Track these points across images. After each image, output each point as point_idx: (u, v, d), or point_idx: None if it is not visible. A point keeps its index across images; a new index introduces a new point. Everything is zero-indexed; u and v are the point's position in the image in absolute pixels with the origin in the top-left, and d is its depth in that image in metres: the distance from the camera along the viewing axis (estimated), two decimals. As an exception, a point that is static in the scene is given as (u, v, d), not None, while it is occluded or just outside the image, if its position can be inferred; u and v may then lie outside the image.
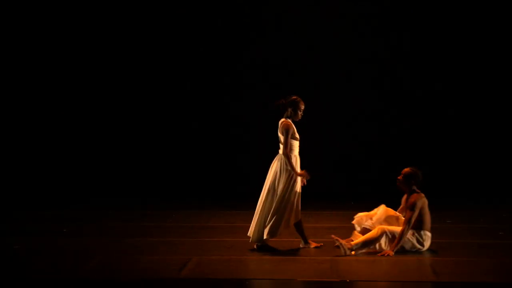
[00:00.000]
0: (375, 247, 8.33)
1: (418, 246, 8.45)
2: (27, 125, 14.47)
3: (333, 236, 8.41)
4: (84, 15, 14.37)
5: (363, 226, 8.67)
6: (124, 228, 10.35)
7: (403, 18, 14.19)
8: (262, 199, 8.62)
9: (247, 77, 14.38)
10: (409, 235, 8.40)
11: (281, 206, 8.49)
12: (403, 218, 8.51)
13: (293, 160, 8.55)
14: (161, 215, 11.50)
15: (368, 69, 14.27)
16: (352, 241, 8.43)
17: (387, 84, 14.29)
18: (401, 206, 8.75)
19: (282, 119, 8.68)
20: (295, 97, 8.72)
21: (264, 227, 8.52)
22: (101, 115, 14.53)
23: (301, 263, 7.94)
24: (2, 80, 14.45)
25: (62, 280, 7.26)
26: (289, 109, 8.67)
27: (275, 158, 8.67)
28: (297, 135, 8.62)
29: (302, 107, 8.69)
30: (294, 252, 8.50)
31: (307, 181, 8.62)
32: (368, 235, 8.37)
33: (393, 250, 8.27)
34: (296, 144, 8.62)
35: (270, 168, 8.66)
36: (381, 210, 8.67)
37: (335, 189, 13.75)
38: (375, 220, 8.59)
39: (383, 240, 8.33)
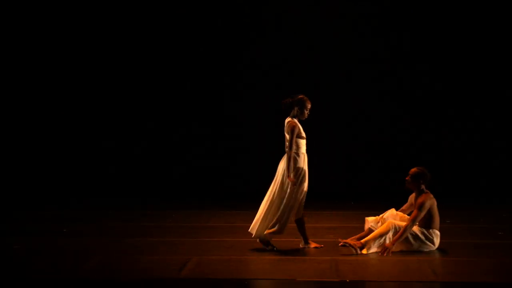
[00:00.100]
0: (384, 241, 8.34)
1: (428, 243, 8.46)
2: (27, 125, 14.47)
3: (340, 239, 8.44)
4: (84, 15, 14.37)
5: (369, 227, 8.67)
6: (124, 228, 10.35)
7: (403, 18, 14.20)
8: (269, 196, 8.61)
9: (247, 77, 14.39)
10: (418, 232, 8.42)
11: (289, 204, 8.49)
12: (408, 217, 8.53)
13: (301, 158, 8.55)
14: (161, 215, 11.50)
15: (368, 69, 14.28)
16: (358, 240, 8.46)
17: (387, 84, 14.29)
18: (407, 204, 8.75)
19: (288, 119, 8.66)
20: (301, 96, 8.70)
21: (271, 223, 8.51)
22: (101, 115, 14.53)
23: (301, 263, 7.94)
24: (1, 81, 14.45)
25: (62, 280, 7.25)
26: (296, 108, 8.65)
27: (283, 157, 8.65)
28: (303, 134, 8.61)
29: (309, 106, 8.68)
30: (294, 252, 8.50)
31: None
32: (378, 230, 8.39)
33: (392, 244, 8.29)
34: (303, 143, 8.61)
35: (278, 166, 8.65)
36: (390, 212, 8.66)
37: (335, 189, 13.76)
38: (385, 218, 8.59)
39: (390, 233, 8.35)
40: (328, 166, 13.72)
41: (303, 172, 8.55)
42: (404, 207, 8.78)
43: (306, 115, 8.69)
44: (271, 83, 14.16)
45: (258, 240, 8.64)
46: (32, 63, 14.42)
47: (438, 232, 8.54)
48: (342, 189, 13.83)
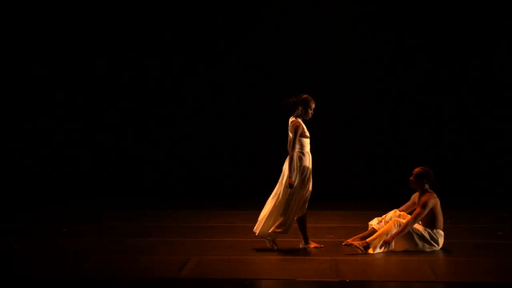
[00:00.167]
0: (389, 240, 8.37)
1: (433, 243, 8.46)
2: (27, 125, 14.46)
3: (346, 242, 8.48)
4: (83, 15, 14.36)
5: (372, 227, 8.67)
6: (124, 228, 10.35)
7: (403, 18, 14.19)
8: (275, 195, 8.59)
9: (247, 77, 14.38)
10: (424, 232, 8.42)
11: (295, 203, 8.48)
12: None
13: (306, 157, 8.54)
14: (161, 215, 11.50)
15: (368, 69, 14.27)
16: (361, 240, 8.48)
17: (387, 84, 14.29)
18: (408, 203, 8.75)
19: (292, 118, 8.64)
20: (306, 95, 8.68)
21: (276, 223, 8.50)
22: (101, 115, 14.53)
23: (301, 263, 7.94)
24: (0, 80, 14.46)
25: (62, 280, 7.25)
26: (300, 108, 8.64)
27: (288, 157, 8.63)
28: (307, 133, 8.60)
29: (313, 105, 8.67)
30: (294, 252, 8.50)
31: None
32: (382, 229, 8.40)
33: (392, 238, 8.29)
34: (307, 142, 8.60)
35: (284, 166, 8.63)
36: (393, 213, 8.65)
37: (335, 189, 13.76)
38: (387, 220, 8.59)
39: (394, 231, 8.36)
40: (328, 166, 13.72)
41: (308, 171, 8.55)
42: (404, 206, 8.77)
43: (310, 115, 8.68)
44: (271, 83, 14.16)
45: (266, 238, 8.62)
46: (30, 64, 14.39)
47: (442, 232, 8.55)
48: (342, 189, 13.83)
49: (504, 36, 14.12)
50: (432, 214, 8.48)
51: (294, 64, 14.23)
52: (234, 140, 14.42)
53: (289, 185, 8.44)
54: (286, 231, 8.53)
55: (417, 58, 14.24)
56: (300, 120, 8.61)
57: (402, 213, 8.63)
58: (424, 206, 8.43)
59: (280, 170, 8.65)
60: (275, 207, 8.56)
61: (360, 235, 8.72)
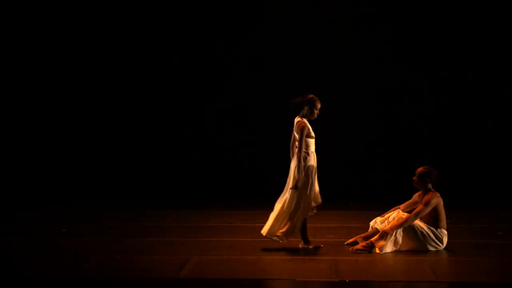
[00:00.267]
0: (395, 238, 8.36)
1: (437, 241, 8.47)
2: (27, 125, 14.46)
3: (348, 242, 8.48)
4: (83, 15, 14.36)
5: (374, 227, 8.67)
6: (124, 228, 10.35)
7: (403, 18, 14.19)
8: (283, 196, 8.59)
9: (247, 77, 14.38)
10: (429, 231, 8.42)
11: (302, 204, 8.48)
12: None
13: (311, 157, 8.54)
14: (161, 215, 11.50)
15: (368, 70, 14.27)
16: (364, 240, 8.51)
17: (387, 84, 14.29)
18: (410, 201, 8.75)
19: (298, 118, 8.63)
20: (311, 95, 8.67)
21: (284, 223, 8.50)
22: (101, 115, 14.53)
23: (301, 263, 7.94)
24: (1, 80, 14.45)
25: (62, 280, 7.25)
26: (306, 108, 8.62)
27: (294, 157, 8.62)
28: (312, 134, 8.59)
29: (319, 105, 8.66)
30: (294, 252, 8.50)
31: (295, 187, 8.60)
32: (388, 228, 8.41)
33: (391, 229, 8.30)
34: (312, 142, 8.59)
35: (291, 165, 8.62)
36: (396, 214, 8.65)
37: (335, 189, 13.75)
38: (391, 220, 8.59)
39: (400, 228, 8.37)
40: (328, 166, 13.71)
41: (313, 171, 8.54)
42: (405, 204, 8.76)
43: (316, 115, 8.67)
44: (271, 83, 14.16)
45: (273, 238, 8.61)
46: (28, 66, 14.38)
47: (445, 232, 8.56)
48: (342, 189, 13.83)
49: (504, 36, 14.11)
50: (435, 213, 8.49)
51: (294, 64, 14.22)
52: (234, 140, 14.41)
53: (295, 186, 8.44)
54: (293, 231, 8.53)
55: (417, 58, 14.23)
56: (305, 120, 8.59)
57: (404, 213, 8.62)
58: (427, 204, 8.44)
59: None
60: (282, 209, 8.55)
61: (362, 235, 8.73)
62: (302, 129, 8.49)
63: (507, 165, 14.16)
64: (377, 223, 8.68)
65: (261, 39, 14.32)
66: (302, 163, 8.45)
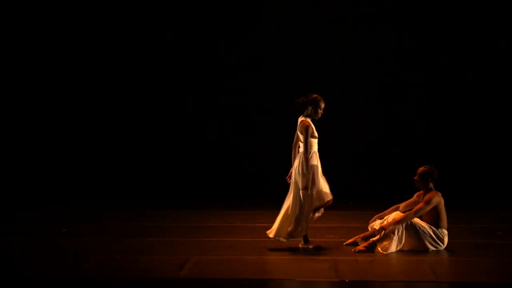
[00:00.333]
0: (399, 237, 8.37)
1: (438, 241, 8.47)
2: (26, 125, 14.47)
3: (347, 242, 8.51)
4: (83, 15, 14.36)
5: (374, 227, 8.67)
6: (124, 228, 10.35)
7: (403, 18, 14.19)
8: (288, 196, 8.59)
9: (247, 77, 14.38)
10: (430, 231, 8.42)
11: (307, 204, 8.48)
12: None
13: (313, 157, 8.53)
14: (161, 215, 11.50)
15: (368, 69, 14.27)
16: (364, 240, 8.51)
17: (387, 84, 14.29)
18: (410, 200, 8.74)
19: (302, 118, 8.61)
20: (315, 95, 8.65)
21: (291, 227, 8.50)
22: (101, 115, 14.53)
23: (301, 263, 7.94)
24: (1, 80, 14.45)
25: (62, 280, 7.25)
26: (310, 107, 8.61)
27: (296, 157, 8.62)
28: (315, 133, 8.58)
29: (323, 105, 8.65)
30: (294, 252, 8.50)
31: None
32: (390, 228, 8.41)
33: (389, 225, 8.30)
34: (315, 142, 8.58)
35: (293, 165, 8.61)
36: (396, 214, 8.65)
37: (335, 189, 13.72)
38: (390, 220, 8.59)
39: (401, 227, 8.37)
40: (328, 166, 13.70)
41: (316, 171, 8.53)
42: (405, 204, 8.76)
43: (319, 115, 8.65)
44: (271, 83, 14.16)
45: (280, 239, 8.63)
46: (27, 67, 14.38)
47: (446, 232, 8.56)
48: (342, 189, 13.80)
49: (504, 36, 14.11)
50: (437, 213, 8.48)
51: (294, 64, 14.22)
52: (234, 140, 14.41)
53: (305, 188, 8.42)
54: (301, 232, 8.52)
55: (417, 58, 14.23)
56: (309, 120, 8.58)
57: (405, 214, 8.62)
58: (428, 202, 8.44)
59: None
60: (288, 210, 8.54)
61: (362, 235, 8.72)
62: (306, 128, 8.48)
63: (507, 165, 14.16)
64: (376, 224, 8.67)
65: (261, 39, 14.33)
66: (309, 163, 8.44)
